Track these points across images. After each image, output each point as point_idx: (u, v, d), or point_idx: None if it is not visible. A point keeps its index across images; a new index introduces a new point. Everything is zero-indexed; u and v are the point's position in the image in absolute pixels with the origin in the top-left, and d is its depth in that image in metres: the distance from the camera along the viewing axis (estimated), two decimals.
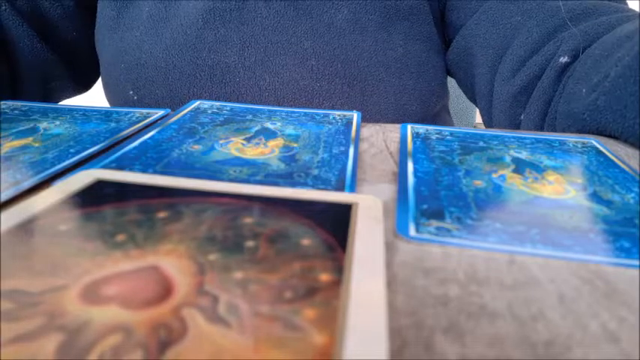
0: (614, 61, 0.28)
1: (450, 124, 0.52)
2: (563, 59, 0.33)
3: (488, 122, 0.42)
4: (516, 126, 0.38)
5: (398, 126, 0.28)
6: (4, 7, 0.41)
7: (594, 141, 0.26)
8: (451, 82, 0.55)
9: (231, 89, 0.39)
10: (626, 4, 0.39)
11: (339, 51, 0.39)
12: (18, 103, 0.29)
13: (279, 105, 0.39)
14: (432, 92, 0.44)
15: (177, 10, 0.40)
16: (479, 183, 0.20)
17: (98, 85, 0.52)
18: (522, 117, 0.37)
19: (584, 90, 0.30)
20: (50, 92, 0.47)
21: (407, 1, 0.41)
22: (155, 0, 0.40)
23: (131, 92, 0.42)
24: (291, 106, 0.31)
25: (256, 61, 0.39)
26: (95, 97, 0.63)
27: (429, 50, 0.43)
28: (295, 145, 0.23)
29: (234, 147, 0.23)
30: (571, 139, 0.26)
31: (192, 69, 0.39)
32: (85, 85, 0.52)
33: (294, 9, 0.39)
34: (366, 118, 0.40)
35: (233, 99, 0.39)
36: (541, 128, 0.35)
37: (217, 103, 0.30)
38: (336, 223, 0.15)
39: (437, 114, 0.47)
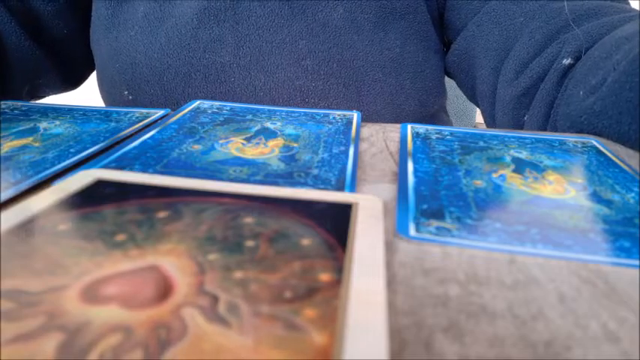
0: (612, 64, 0.28)
1: (448, 124, 0.51)
2: (566, 61, 0.33)
3: (491, 124, 0.42)
4: (519, 128, 0.38)
5: (398, 126, 0.28)
6: None
7: (594, 141, 0.26)
8: (451, 83, 0.54)
9: (226, 89, 0.39)
10: (629, 4, 0.39)
11: (334, 50, 0.39)
12: (18, 103, 0.29)
13: (274, 105, 0.39)
14: (429, 92, 0.44)
15: (172, 9, 0.40)
16: (479, 183, 0.20)
17: (94, 84, 0.51)
18: (526, 118, 0.37)
19: (581, 92, 0.30)
20: (37, 88, 0.47)
21: (403, 1, 0.41)
22: (150, 0, 0.40)
23: (126, 92, 0.42)
24: (287, 106, 0.31)
25: (251, 61, 0.39)
26: (92, 96, 0.63)
27: (426, 50, 0.43)
28: (295, 144, 0.23)
29: (234, 147, 0.23)
30: (571, 139, 0.26)
31: (187, 69, 0.39)
32: (73, 83, 0.52)
33: (288, 8, 0.39)
34: (361, 118, 0.40)
35: (228, 99, 0.39)
36: (544, 130, 0.35)
37: (217, 103, 0.30)
38: (336, 223, 0.15)
39: (434, 114, 0.47)
